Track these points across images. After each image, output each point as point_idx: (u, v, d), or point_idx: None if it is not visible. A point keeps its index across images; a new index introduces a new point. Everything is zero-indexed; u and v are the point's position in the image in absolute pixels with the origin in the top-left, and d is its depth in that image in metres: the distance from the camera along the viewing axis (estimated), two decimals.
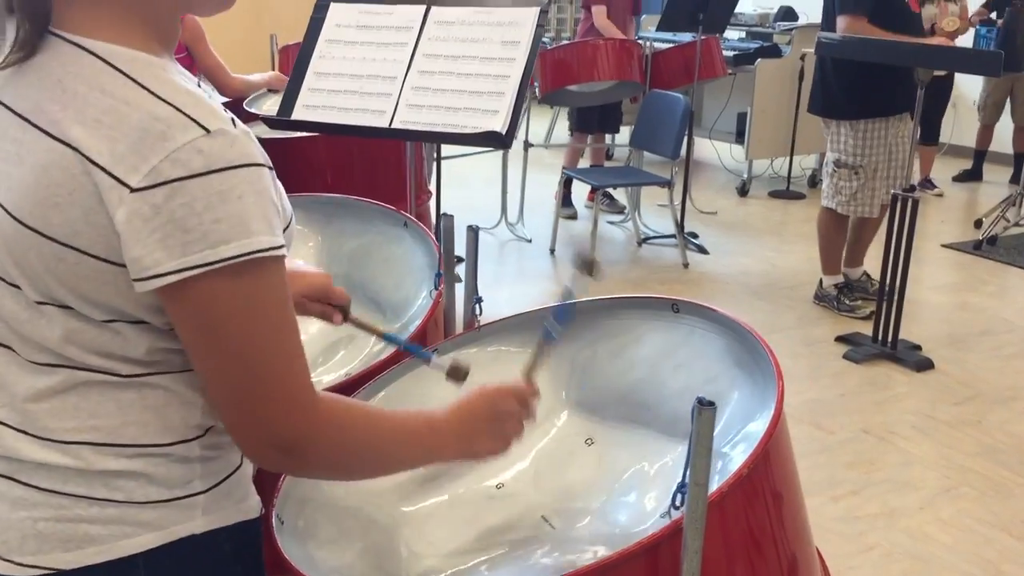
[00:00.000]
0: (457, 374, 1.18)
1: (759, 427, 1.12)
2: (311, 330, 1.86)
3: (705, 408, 0.90)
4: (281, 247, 0.84)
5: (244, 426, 0.87)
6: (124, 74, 0.83)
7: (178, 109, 0.81)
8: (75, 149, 0.80)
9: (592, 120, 5.41)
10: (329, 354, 1.75)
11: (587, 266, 1.12)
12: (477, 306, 1.52)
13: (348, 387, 1.48)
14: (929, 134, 5.98)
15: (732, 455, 1.18)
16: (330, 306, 1.33)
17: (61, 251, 0.83)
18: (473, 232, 1.51)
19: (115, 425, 0.89)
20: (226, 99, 3.30)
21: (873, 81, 3.65)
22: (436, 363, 1.23)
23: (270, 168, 0.86)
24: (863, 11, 3.61)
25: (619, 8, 5.25)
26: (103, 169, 0.79)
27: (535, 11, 1.85)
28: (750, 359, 1.22)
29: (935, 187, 6.24)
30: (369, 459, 0.97)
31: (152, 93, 0.81)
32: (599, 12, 5.14)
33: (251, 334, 0.83)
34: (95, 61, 0.83)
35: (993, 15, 5.81)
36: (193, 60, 3.28)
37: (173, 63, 0.89)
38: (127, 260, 0.81)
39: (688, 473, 0.92)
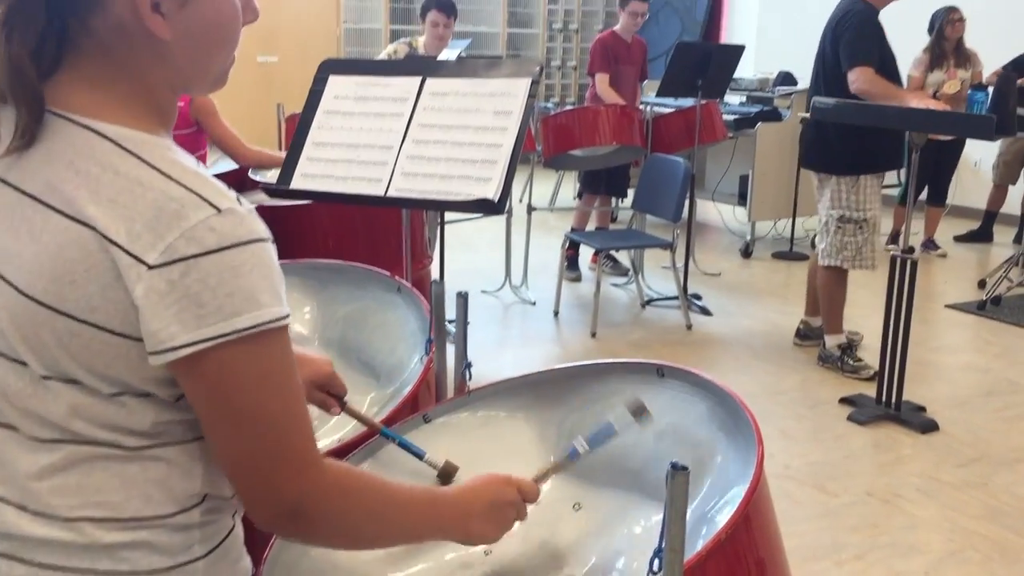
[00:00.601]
0: (447, 476, 1.22)
1: (742, 492, 1.12)
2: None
3: (679, 472, 0.91)
4: (287, 317, 0.89)
5: (254, 491, 0.90)
6: (135, 155, 0.87)
7: (190, 189, 0.85)
8: (92, 228, 0.84)
9: (600, 183, 5.48)
10: (324, 418, 1.76)
11: (638, 410, 1.16)
12: (467, 371, 1.54)
13: (340, 452, 1.49)
14: (937, 196, 6.03)
15: (717, 520, 1.18)
16: (329, 395, 1.39)
17: (76, 327, 0.85)
18: (463, 298, 1.53)
19: (119, 500, 0.91)
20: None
21: (874, 138, 3.71)
22: (428, 460, 1.28)
23: (272, 242, 0.90)
24: (871, 61, 3.72)
25: (626, 75, 5.36)
26: (120, 247, 0.83)
27: (527, 82, 1.90)
28: (733, 424, 1.23)
29: (938, 247, 6.25)
30: (372, 527, 0.99)
31: (163, 174, 0.86)
32: (601, 79, 5.25)
33: (262, 402, 0.87)
34: (105, 143, 0.87)
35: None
36: (204, 133, 3.35)
37: (172, 141, 0.93)
38: (144, 334, 0.84)
39: (663, 539, 0.93)
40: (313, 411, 1.78)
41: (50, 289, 0.85)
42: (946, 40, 5.72)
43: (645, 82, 5.90)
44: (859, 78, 3.70)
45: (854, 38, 3.74)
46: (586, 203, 5.55)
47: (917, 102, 3.53)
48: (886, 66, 3.73)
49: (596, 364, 1.44)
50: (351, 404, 1.41)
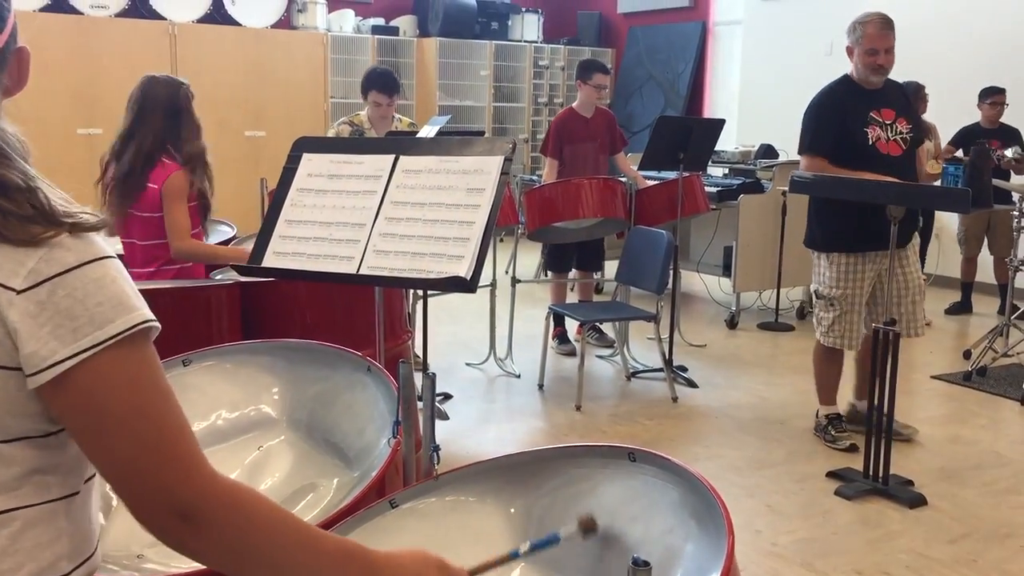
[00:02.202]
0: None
1: None
2: (276, 475, 1.83)
3: (640, 569, 0.88)
4: (154, 320, 0.92)
5: (142, 495, 0.90)
6: None
7: None
8: None
9: (567, 259, 5.47)
10: (291, 503, 1.71)
11: (587, 528, 1.13)
12: (436, 454, 1.50)
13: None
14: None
15: None
16: None
17: None
18: (430, 380, 1.50)
19: None
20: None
21: (845, 216, 3.74)
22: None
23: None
24: (821, 152, 3.79)
25: (585, 152, 5.33)
26: None
27: (500, 159, 1.90)
28: (705, 510, 1.19)
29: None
30: (269, 556, 0.94)
31: None
32: (550, 165, 5.30)
33: (141, 403, 0.89)
34: None
35: (959, 152, 6.03)
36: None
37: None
38: (23, 357, 0.87)
39: None
40: (280, 491, 1.74)
41: None
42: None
43: (628, 155, 5.94)
44: (807, 166, 3.82)
45: (808, 126, 3.87)
46: (557, 277, 5.54)
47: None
48: (849, 143, 3.74)
49: (567, 447, 1.40)
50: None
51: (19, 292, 0.86)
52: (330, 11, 9.08)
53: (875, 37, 3.74)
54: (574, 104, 5.42)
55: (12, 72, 0.96)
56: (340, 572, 0.98)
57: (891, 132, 3.77)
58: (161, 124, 3.13)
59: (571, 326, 5.53)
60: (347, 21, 9.17)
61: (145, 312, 0.91)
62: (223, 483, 0.93)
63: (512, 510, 1.38)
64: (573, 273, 5.65)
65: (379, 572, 1.01)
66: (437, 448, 1.51)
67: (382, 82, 4.71)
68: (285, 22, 8.76)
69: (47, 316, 0.87)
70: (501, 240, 6.84)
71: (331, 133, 4.90)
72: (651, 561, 1.01)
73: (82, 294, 0.88)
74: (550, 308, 4.97)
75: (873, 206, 3.55)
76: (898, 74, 3.97)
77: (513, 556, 1.17)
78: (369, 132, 4.74)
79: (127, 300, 0.90)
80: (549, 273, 5.56)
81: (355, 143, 2.32)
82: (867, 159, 3.72)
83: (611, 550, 1.17)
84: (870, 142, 3.74)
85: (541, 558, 1.39)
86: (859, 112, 3.77)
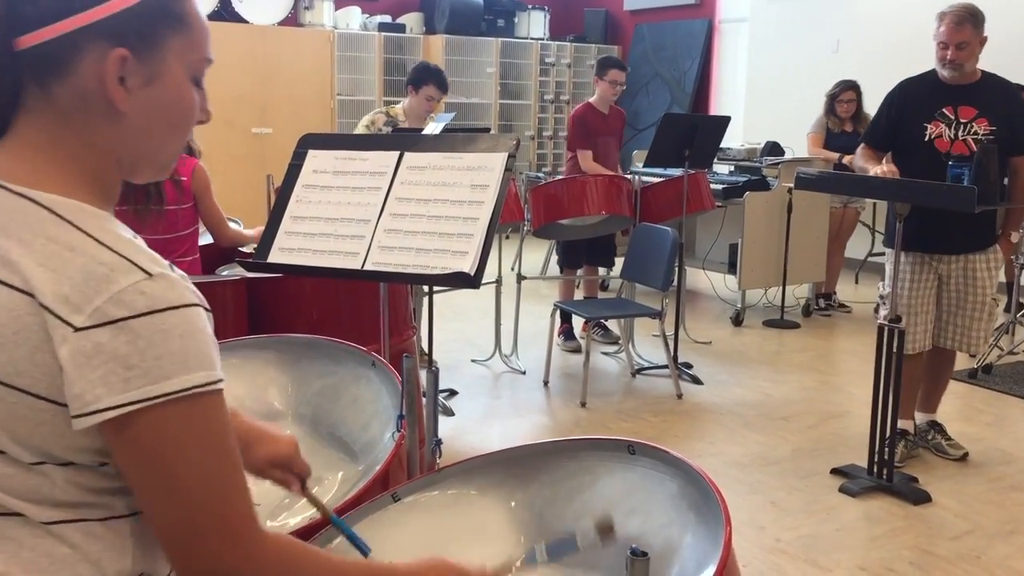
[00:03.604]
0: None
1: (711, 573, 1.09)
2: None
3: (638, 559, 0.89)
4: (220, 381, 0.87)
5: (187, 559, 0.87)
6: (68, 222, 0.87)
7: (120, 254, 0.86)
8: (21, 291, 0.84)
9: (579, 255, 5.49)
10: (295, 497, 1.73)
11: (605, 530, 1.16)
12: (438, 448, 1.52)
13: (310, 531, 1.47)
14: None
15: None
16: (291, 474, 1.35)
17: (1, 391, 0.85)
18: (433, 375, 1.52)
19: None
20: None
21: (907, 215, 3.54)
22: (372, 559, 1.25)
23: (207, 309, 0.90)
24: (871, 142, 3.75)
25: (606, 146, 5.40)
26: (48, 310, 0.83)
27: (504, 156, 1.91)
28: (704, 503, 1.20)
29: None
30: None
31: (95, 239, 0.86)
32: (584, 156, 5.30)
33: (195, 467, 0.85)
34: (39, 210, 0.88)
35: None
36: (198, 210, 3.37)
37: (111, 215, 0.93)
38: (69, 397, 0.83)
39: None
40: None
41: None
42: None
43: (634, 152, 5.96)
44: (857, 154, 3.81)
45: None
46: (568, 274, 5.56)
47: (880, 170, 3.51)
48: (905, 137, 3.67)
49: (567, 441, 1.42)
50: (309, 488, 1.36)
51: (76, 329, 0.83)
52: (337, 8, 9.09)
53: (946, 31, 3.55)
54: (591, 99, 5.44)
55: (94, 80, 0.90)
56: None
57: (963, 131, 3.57)
58: None
59: (577, 323, 5.54)
60: (354, 18, 9.18)
61: (208, 374, 0.86)
62: (270, 548, 0.91)
63: (513, 503, 1.40)
64: (582, 270, 5.66)
65: None
66: (439, 442, 1.52)
67: (439, 79, 4.81)
68: (292, 19, 8.78)
69: (101, 360, 0.82)
70: (507, 237, 6.85)
71: (365, 120, 4.96)
72: (650, 553, 1.03)
73: (144, 344, 0.83)
74: (556, 305, 4.98)
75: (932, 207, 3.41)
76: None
77: (528, 560, 1.19)
78: (403, 125, 4.80)
79: (191, 358, 0.85)
80: (563, 270, 5.57)
81: (360, 140, 2.33)
82: (921, 155, 3.59)
83: (610, 542, 1.18)
84: (927, 138, 3.59)
85: (541, 552, 1.40)
86: (927, 106, 3.62)
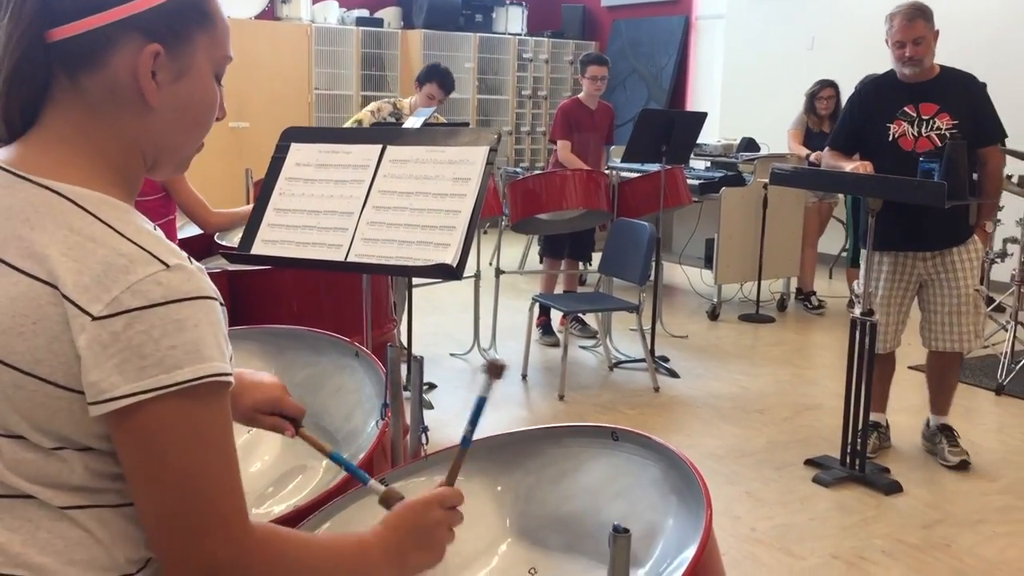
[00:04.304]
0: (388, 502, 1.19)
1: (691, 554, 1.13)
2: (265, 458, 1.86)
3: (620, 536, 0.92)
4: (230, 374, 0.89)
5: (174, 553, 0.88)
6: (91, 214, 0.89)
7: (140, 246, 0.88)
8: (43, 281, 0.86)
9: (562, 247, 5.53)
10: (281, 485, 1.75)
11: (495, 371, 1.17)
12: (424, 435, 1.54)
13: (296, 517, 1.49)
14: None
15: None
16: (283, 418, 1.34)
17: (21, 379, 0.86)
18: (418, 362, 1.54)
19: (42, 562, 0.89)
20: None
21: (883, 213, 3.54)
22: (372, 486, 1.25)
23: (222, 304, 0.92)
24: (835, 146, 3.80)
25: (590, 142, 5.44)
26: (68, 299, 0.85)
27: (485, 150, 1.94)
28: (685, 486, 1.24)
29: None
30: None
31: (116, 231, 0.88)
32: (563, 146, 5.34)
33: (194, 460, 0.86)
34: (63, 202, 0.90)
35: None
36: (172, 199, 3.34)
37: (132, 207, 0.95)
38: (85, 384, 0.85)
39: None
40: (268, 475, 1.78)
41: (2, 342, 0.86)
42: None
43: (611, 147, 6.00)
44: (824, 158, 3.85)
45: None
46: (550, 267, 5.60)
47: (853, 167, 3.56)
48: (870, 138, 3.69)
49: (551, 428, 1.45)
50: (304, 429, 1.36)
51: (94, 318, 0.84)
52: (314, 2, 9.07)
53: (900, 29, 3.57)
54: (580, 95, 5.49)
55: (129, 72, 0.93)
56: (364, 564, 1.01)
57: (925, 128, 3.57)
58: None
59: (555, 317, 5.58)
60: (331, 12, 9.16)
61: (219, 365, 0.87)
62: (258, 541, 0.91)
63: (499, 488, 1.43)
64: (562, 263, 5.70)
65: (393, 543, 1.04)
66: (425, 429, 1.55)
67: (443, 79, 4.89)
68: (269, 13, 8.75)
69: (117, 348, 0.84)
70: (485, 232, 6.87)
71: (371, 106, 5.00)
72: (634, 535, 1.06)
73: (159, 333, 0.84)
74: (535, 298, 5.01)
75: (905, 204, 3.45)
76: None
77: (465, 444, 1.22)
78: (406, 119, 4.84)
79: (204, 348, 0.86)
80: (544, 261, 5.61)
81: (343, 133, 2.35)
82: (886, 155, 3.60)
83: (594, 526, 1.22)
84: (891, 138, 3.61)
85: (525, 535, 1.43)
86: (888, 106, 3.65)
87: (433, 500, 1.10)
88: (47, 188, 0.90)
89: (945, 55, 3.79)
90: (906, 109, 3.62)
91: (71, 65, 0.91)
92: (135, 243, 0.88)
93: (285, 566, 0.94)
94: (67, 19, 0.90)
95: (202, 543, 0.87)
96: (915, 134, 3.60)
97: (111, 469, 0.91)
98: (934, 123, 3.59)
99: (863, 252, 3.72)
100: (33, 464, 0.89)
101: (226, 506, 0.88)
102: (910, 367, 5.14)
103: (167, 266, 0.87)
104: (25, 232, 0.88)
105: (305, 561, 0.96)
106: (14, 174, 0.91)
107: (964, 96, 3.63)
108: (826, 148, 3.89)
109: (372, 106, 5.03)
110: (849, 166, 3.57)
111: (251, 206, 3.58)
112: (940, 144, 3.53)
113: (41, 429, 0.88)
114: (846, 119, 3.83)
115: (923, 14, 3.59)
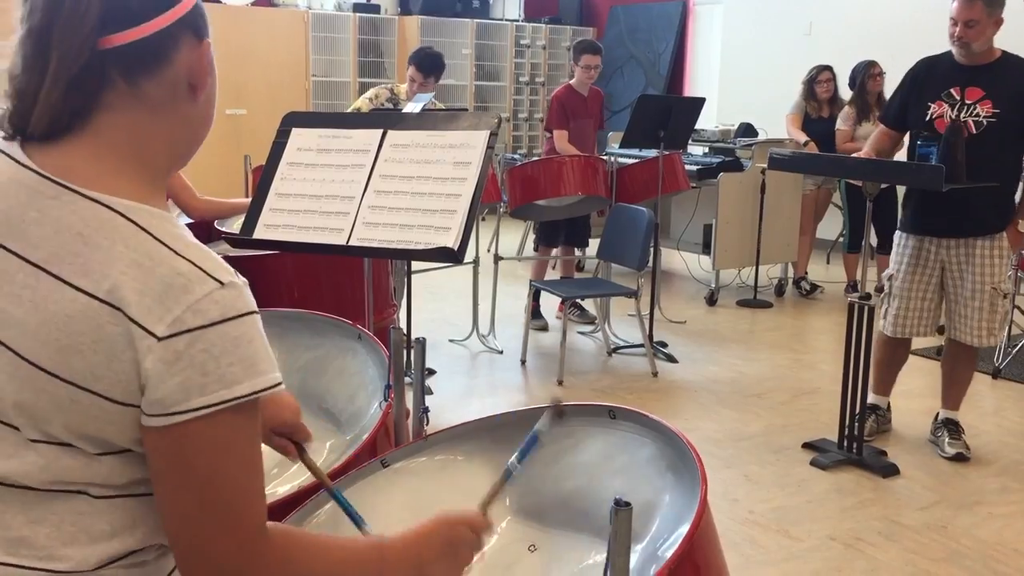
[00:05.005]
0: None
1: (688, 528, 1.15)
2: None
3: (622, 509, 0.94)
4: (281, 381, 0.92)
5: (195, 556, 0.91)
6: (144, 230, 0.90)
7: (194, 264, 0.90)
8: (102, 301, 0.87)
9: (557, 234, 5.54)
10: (284, 465, 1.77)
11: (557, 413, 1.18)
12: (425, 416, 1.56)
13: (300, 497, 1.51)
14: (885, 243, 6.14)
15: (666, 557, 1.21)
16: (290, 441, 1.37)
17: (77, 393, 0.88)
18: (420, 344, 1.56)
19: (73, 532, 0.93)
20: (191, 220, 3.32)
21: (909, 195, 3.55)
22: (366, 531, 1.26)
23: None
24: (885, 120, 3.76)
25: (584, 128, 5.45)
26: (132, 320, 0.86)
27: (486, 134, 1.95)
28: (681, 463, 1.26)
29: None
30: None
31: (170, 248, 0.90)
32: (560, 136, 5.34)
33: (224, 469, 0.89)
34: (116, 217, 0.90)
35: None
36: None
37: (170, 214, 0.97)
38: (148, 401, 0.88)
39: (608, 573, 0.95)
40: (273, 455, 1.79)
41: (56, 358, 0.88)
42: (868, 93, 5.95)
43: (610, 134, 6.01)
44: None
45: None
46: (542, 253, 5.61)
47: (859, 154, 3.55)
48: (912, 115, 3.64)
49: (548, 407, 1.46)
50: (310, 455, 1.39)
51: (160, 339, 0.86)
52: None
53: (956, 7, 3.45)
54: (571, 81, 5.48)
55: (190, 65, 0.96)
56: (382, 571, 1.03)
57: (965, 112, 3.49)
58: None
59: (551, 303, 5.60)
60: None
61: (273, 376, 0.91)
62: (276, 548, 0.94)
63: (499, 468, 1.44)
64: (557, 250, 5.71)
65: (415, 554, 1.06)
66: (426, 409, 1.57)
67: (418, 60, 4.84)
68: (266, 0, 8.74)
69: (181, 367, 0.87)
70: (483, 219, 6.89)
71: (367, 95, 4.98)
72: (632, 507, 1.08)
73: (219, 351, 0.87)
74: (532, 283, 5.03)
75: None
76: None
77: (508, 476, 1.20)
78: (403, 104, 4.83)
79: (259, 363, 0.90)
80: (539, 247, 5.62)
81: (343, 118, 2.36)
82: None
83: (592, 503, 1.24)
84: (928, 117, 3.54)
85: (525, 513, 1.46)
86: (935, 86, 3.57)
87: (467, 521, 1.12)
88: (98, 203, 0.91)
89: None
90: (951, 91, 3.53)
91: (134, 70, 0.92)
92: (189, 260, 0.90)
93: (300, 568, 0.96)
94: (132, 23, 0.91)
95: (217, 548, 0.90)
96: (952, 117, 3.50)
97: (143, 470, 0.93)
98: (974, 109, 3.49)
99: (897, 236, 3.70)
100: (75, 470, 0.91)
101: (247, 518, 0.91)
102: (911, 352, 5.17)
103: (221, 284, 0.89)
104: (79, 248, 0.89)
105: (321, 567, 0.98)
106: (63, 186, 0.91)
107: (1017, 85, 3.48)
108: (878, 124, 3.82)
109: (370, 93, 5.03)
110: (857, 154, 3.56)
111: (240, 199, 3.58)
112: (975, 132, 3.46)
113: (88, 438, 0.90)
114: (897, 93, 3.73)
115: None
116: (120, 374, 0.87)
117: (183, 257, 0.90)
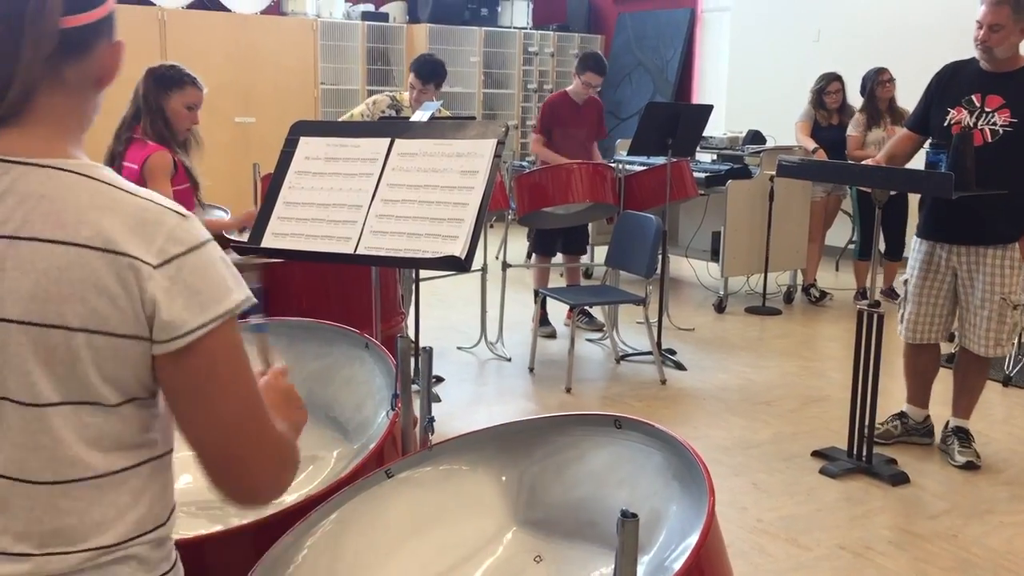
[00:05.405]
0: None
1: (695, 540, 1.14)
2: None
3: (628, 520, 0.94)
4: (251, 294, 1.03)
5: (248, 447, 1.01)
6: (98, 180, 0.97)
7: (152, 201, 0.98)
8: (88, 247, 0.93)
9: (552, 243, 5.52)
10: None
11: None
12: (430, 425, 1.56)
13: (308, 506, 1.51)
14: (891, 250, 6.13)
15: (674, 568, 1.20)
16: None
17: (91, 338, 0.94)
18: (427, 353, 1.56)
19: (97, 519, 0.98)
20: None
21: (930, 200, 3.54)
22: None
23: None
24: (910, 124, 3.73)
25: (574, 136, 5.39)
26: (127, 255, 0.93)
27: (492, 143, 1.96)
28: (688, 473, 1.25)
29: (897, 296, 6.34)
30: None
31: (126, 191, 0.98)
32: (535, 140, 5.34)
33: (240, 369, 1.00)
34: (68, 175, 0.97)
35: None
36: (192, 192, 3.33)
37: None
38: (159, 326, 0.95)
39: None
40: None
41: (62, 310, 0.93)
42: (878, 100, 5.93)
43: (618, 141, 5.99)
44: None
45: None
46: (541, 261, 5.60)
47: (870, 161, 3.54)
48: (934, 121, 3.61)
49: (555, 416, 1.46)
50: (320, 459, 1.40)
51: (155, 267, 0.94)
52: None
53: (983, 10, 3.40)
54: (568, 88, 5.47)
55: (104, 61, 1.02)
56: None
57: (983, 120, 3.45)
58: (129, 106, 3.31)
59: (558, 309, 5.59)
60: (337, 7, 9.16)
61: (246, 291, 1.01)
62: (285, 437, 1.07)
63: (504, 478, 1.45)
64: (559, 258, 5.71)
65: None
66: (432, 419, 1.57)
67: (417, 66, 4.86)
68: (275, 8, 8.76)
69: (178, 290, 0.95)
70: (491, 226, 6.89)
71: (369, 100, 5.00)
72: (639, 518, 1.07)
73: (202, 273, 0.97)
74: (540, 291, 5.03)
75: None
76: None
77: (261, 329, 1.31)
78: (406, 111, 4.84)
79: (232, 280, 1.00)
80: (534, 257, 5.60)
81: (351, 127, 2.37)
82: (940, 140, 3.53)
83: (598, 513, 1.23)
84: (946, 123, 3.51)
85: (531, 524, 1.45)
86: (957, 91, 3.53)
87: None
88: (50, 167, 0.97)
89: None
90: (972, 97, 3.49)
91: (66, 53, 0.98)
92: (145, 199, 0.98)
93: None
94: (81, 8, 0.98)
95: (266, 432, 1.02)
96: (970, 124, 3.47)
97: (149, 418, 1.00)
98: (992, 117, 3.45)
99: (914, 242, 3.69)
100: (96, 427, 0.96)
101: (265, 416, 1.02)
102: None
103: (182, 215, 0.98)
104: (46, 207, 0.95)
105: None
106: (13, 162, 0.97)
107: None
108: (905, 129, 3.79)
109: (367, 101, 5.03)
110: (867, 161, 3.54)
111: (230, 218, 3.59)
112: (991, 140, 3.42)
113: (110, 381, 0.96)
114: (922, 98, 3.69)
115: (1012, 2, 3.36)
116: (125, 310, 0.94)
117: (139, 196, 0.98)
